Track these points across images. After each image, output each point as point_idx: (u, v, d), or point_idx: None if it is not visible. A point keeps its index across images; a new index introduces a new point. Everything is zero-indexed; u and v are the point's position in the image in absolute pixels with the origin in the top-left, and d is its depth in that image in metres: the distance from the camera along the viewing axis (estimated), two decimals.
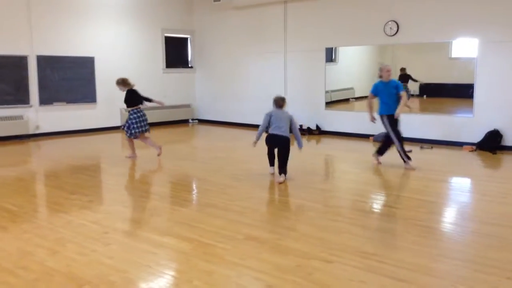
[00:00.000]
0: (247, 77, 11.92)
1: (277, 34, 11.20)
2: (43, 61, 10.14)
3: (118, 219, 4.54)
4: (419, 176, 6.34)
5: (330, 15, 10.22)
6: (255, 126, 9.17)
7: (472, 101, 8.57)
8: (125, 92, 7.74)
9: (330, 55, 10.57)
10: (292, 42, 10.99)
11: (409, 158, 6.82)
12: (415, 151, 8.23)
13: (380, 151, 7.10)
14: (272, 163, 6.39)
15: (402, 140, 6.82)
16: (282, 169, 6.10)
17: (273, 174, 6.32)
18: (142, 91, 11.92)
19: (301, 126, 10.89)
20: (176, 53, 12.89)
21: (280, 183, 5.95)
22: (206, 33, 12.81)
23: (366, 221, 4.54)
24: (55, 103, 10.43)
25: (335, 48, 10.53)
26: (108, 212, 4.83)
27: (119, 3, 11.45)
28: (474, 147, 8.36)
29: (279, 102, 6.30)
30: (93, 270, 3.35)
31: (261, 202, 5.25)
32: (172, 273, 3.37)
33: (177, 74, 12.85)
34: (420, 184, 5.92)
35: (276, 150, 6.27)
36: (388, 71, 6.80)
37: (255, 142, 6.31)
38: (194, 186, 6.25)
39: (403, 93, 6.74)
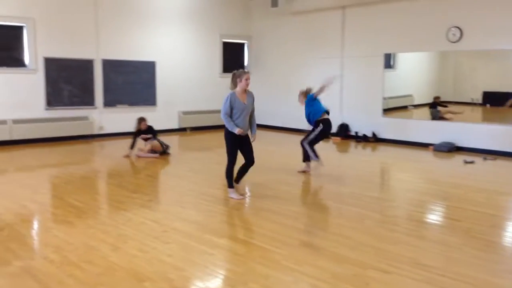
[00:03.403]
0: (303, 83, 11.80)
1: (335, 39, 11.12)
2: (107, 65, 10.62)
3: (176, 219, 4.67)
4: (480, 188, 6.09)
5: (389, 20, 10.03)
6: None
7: None
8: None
9: (388, 61, 10.38)
10: (350, 47, 10.88)
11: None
12: (478, 162, 7.91)
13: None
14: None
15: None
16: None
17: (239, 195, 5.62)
18: (199, 95, 12.37)
19: (356, 133, 10.77)
20: (233, 58, 13.07)
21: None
22: (263, 38, 12.92)
23: (424, 232, 4.43)
24: (118, 105, 10.88)
25: (394, 54, 10.32)
26: (167, 211, 4.99)
27: (180, 9, 11.79)
28: None
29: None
30: (153, 267, 3.47)
31: (314, 208, 5.23)
32: (229, 274, 3.44)
33: None
34: (481, 197, 5.69)
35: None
36: None
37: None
38: (247, 190, 6.32)
39: None
